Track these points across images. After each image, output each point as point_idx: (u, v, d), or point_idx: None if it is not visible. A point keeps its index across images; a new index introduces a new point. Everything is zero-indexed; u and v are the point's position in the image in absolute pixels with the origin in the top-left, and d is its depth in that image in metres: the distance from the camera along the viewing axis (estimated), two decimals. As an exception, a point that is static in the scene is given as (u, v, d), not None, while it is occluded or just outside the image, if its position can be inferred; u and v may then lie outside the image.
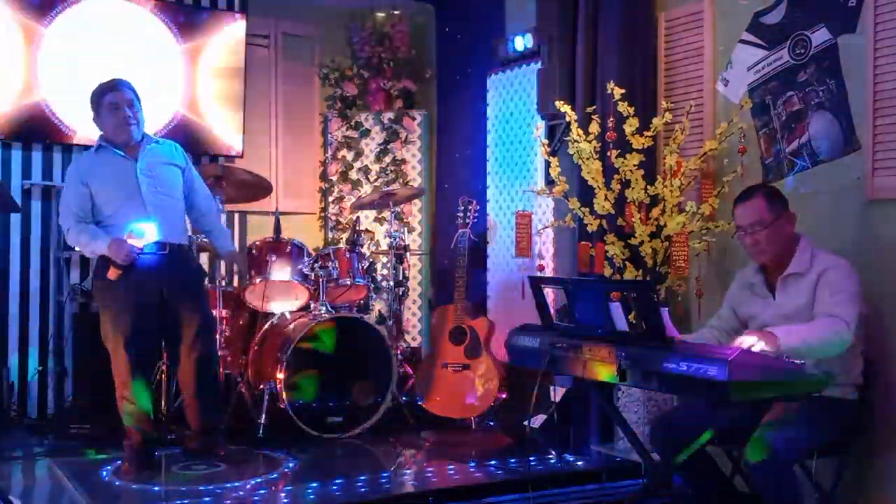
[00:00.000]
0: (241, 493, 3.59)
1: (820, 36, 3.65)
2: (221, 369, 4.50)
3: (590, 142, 4.11)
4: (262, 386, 4.59)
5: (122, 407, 3.94)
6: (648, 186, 4.02)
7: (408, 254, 5.34)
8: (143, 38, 5.44)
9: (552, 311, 3.21)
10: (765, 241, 3.13)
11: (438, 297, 5.88)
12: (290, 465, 4.06)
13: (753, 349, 2.69)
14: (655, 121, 4.01)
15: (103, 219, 3.92)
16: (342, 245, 5.11)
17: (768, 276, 3.24)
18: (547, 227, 4.44)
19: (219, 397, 4.30)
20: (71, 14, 5.21)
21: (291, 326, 4.68)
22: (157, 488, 3.64)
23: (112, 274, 3.79)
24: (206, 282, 4.48)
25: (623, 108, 4.01)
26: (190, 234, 4.32)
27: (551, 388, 4.38)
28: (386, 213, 5.61)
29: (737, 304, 3.33)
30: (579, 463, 4.05)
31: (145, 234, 3.81)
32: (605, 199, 4.07)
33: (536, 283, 3.21)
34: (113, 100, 3.93)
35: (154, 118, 5.39)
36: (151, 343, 4.09)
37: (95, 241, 3.84)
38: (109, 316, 3.91)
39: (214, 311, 4.63)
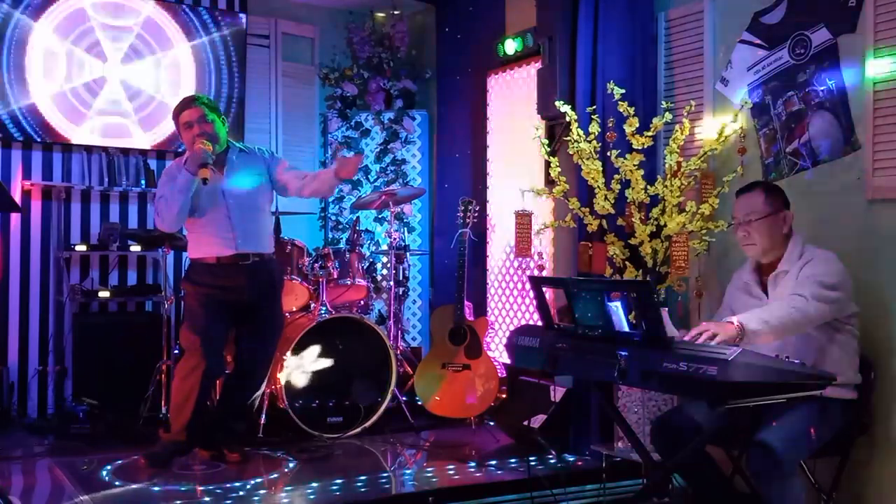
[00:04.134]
0: (241, 493, 3.59)
1: (820, 36, 3.65)
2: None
3: (590, 142, 4.11)
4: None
5: (176, 405, 3.95)
6: (648, 186, 4.02)
7: (408, 254, 5.34)
8: (142, 36, 5.44)
9: (552, 311, 3.21)
10: (756, 233, 3.15)
11: (438, 297, 5.88)
12: (290, 465, 4.06)
13: (714, 342, 2.71)
14: (655, 121, 4.01)
15: (191, 222, 3.98)
16: (342, 245, 5.10)
17: (762, 275, 3.24)
18: (547, 227, 4.43)
19: (248, 409, 4.25)
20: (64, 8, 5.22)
21: (291, 326, 4.68)
22: (156, 488, 3.65)
23: (204, 173, 3.78)
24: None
25: (623, 108, 4.00)
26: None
27: (551, 388, 4.37)
28: (386, 213, 5.61)
29: (734, 304, 3.33)
30: (579, 463, 4.05)
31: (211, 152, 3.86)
32: (605, 199, 4.07)
33: (536, 283, 3.21)
34: (187, 118, 3.98)
35: (154, 118, 5.40)
36: (221, 348, 4.09)
37: (175, 180, 3.86)
38: (189, 316, 4.01)
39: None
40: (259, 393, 4.21)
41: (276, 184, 4.15)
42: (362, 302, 5.19)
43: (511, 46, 5.24)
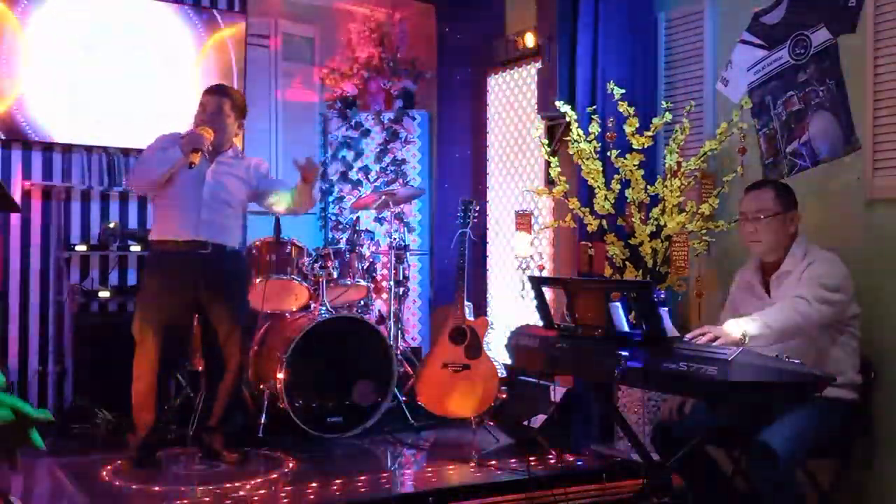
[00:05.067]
0: (241, 493, 3.59)
1: (820, 36, 3.65)
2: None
3: (590, 142, 4.11)
4: (262, 386, 4.59)
5: (134, 402, 3.96)
6: (648, 186, 4.02)
7: (408, 254, 5.34)
8: (142, 36, 5.44)
9: (552, 311, 3.21)
10: (763, 231, 3.16)
11: (438, 297, 5.88)
12: (290, 465, 4.06)
13: (716, 344, 2.71)
14: (655, 121, 4.01)
15: (161, 194, 3.98)
16: (342, 245, 5.10)
17: (765, 275, 3.25)
18: (547, 227, 4.43)
19: (236, 403, 4.27)
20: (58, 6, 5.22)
21: (291, 326, 4.68)
22: (157, 488, 3.65)
23: (194, 157, 3.80)
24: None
25: (623, 108, 4.00)
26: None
27: (551, 388, 4.37)
28: (386, 213, 5.61)
29: (737, 304, 3.33)
30: (579, 463, 4.05)
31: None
32: (605, 199, 4.07)
33: (536, 283, 3.21)
34: (204, 101, 4.04)
35: (153, 118, 5.39)
36: (175, 343, 4.10)
37: (165, 150, 3.89)
38: (140, 307, 4.00)
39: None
40: (235, 387, 4.18)
41: (265, 201, 4.22)
42: (362, 302, 5.19)
43: (520, 43, 5.24)
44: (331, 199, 6.15)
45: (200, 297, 4.01)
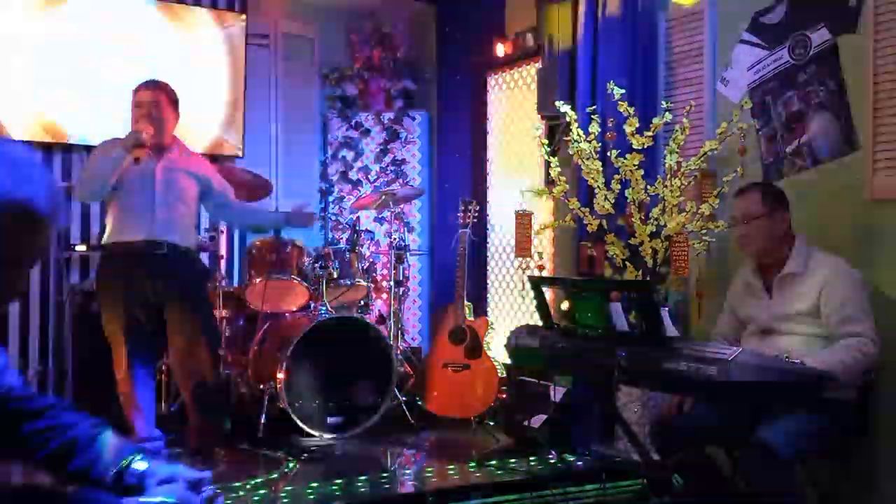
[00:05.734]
0: (241, 493, 3.59)
1: (820, 36, 3.65)
2: (222, 369, 4.50)
3: (590, 142, 4.11)
4: (262, 386, 4.59)
5: (122, 403, 3.95)
6: (648, 186, 4.02)
7: (408, 254, 5.34)
8: (142, 36, 5.45)
9: (552, 311, 3.20)
10: (753, 234, 3.17)
11: (438, 297, 5.88)
12: (290, 465, 4.06)
13: None
14: (655, 121, 4.01)
15: (113, 197, 3.93)
16: (342, 245, 5.11)
17: (765, 276, 3.25)
18: (547, 227, 4.43)
19: (215, 402, 4.21)
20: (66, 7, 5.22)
21: (291, 326, 4.68)
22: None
23: (138, 152, 3.77)
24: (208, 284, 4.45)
25: (623, 108, 4.00)
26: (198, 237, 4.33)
27: (551, 388, 4.37)
28: (386, 213, 5.62)
29: (736, 305, 3.33)
30: (579, 463, 4.05)
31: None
32: (605, 199, 4.07)
33: (536, 283, 3.21)
34: (138, 99, 3.97)
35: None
36: (148, 340, 4.03)
37: (108, 153, 3.84)
38: (103, 309, 3.97)
39: (215, 311, 4.64)
40: (214, 380, 4.14)
41: (209, 201, 4.18)
42: (362, 302, 5.19)
43: (520, 43, 5.25)
44: (331, 199, 6.15)
45: (160, 297, 3.94)
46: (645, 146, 4.00)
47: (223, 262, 5.19)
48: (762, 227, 3.17)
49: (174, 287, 3.96)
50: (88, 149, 5.28)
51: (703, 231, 3.92)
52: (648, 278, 3.96)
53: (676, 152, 3.96)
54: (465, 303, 4.93)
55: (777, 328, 3.16)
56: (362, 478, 3.78)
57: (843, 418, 3.08)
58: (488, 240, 5.72)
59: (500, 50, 5.35)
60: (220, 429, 4.22)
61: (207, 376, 4.04)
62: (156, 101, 3.95)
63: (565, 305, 3.12)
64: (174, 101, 4.04)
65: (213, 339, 4.18)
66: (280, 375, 4.46)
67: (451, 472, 3.99)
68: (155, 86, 4.01)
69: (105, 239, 4.01)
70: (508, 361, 3.65)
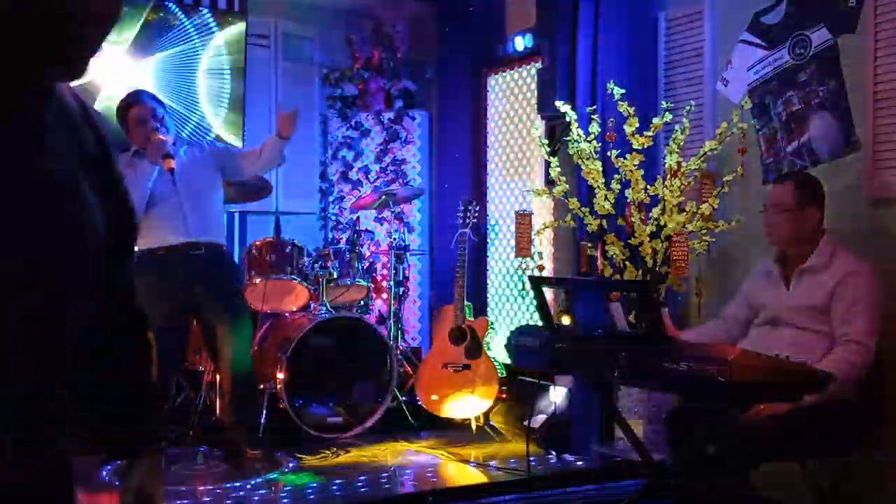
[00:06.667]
0: (241, 493, 3.59)
1: (820, 36, 3.65)
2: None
3: (590, 142, 4.11)
4: (262, 386, 4.59)
5: None
6: (648, 186, 4.02)
7: (408, 254, 5.34)
8: (142, 37, 5.44)
9: (552, 311, 3.21)
10: (781, 224, 3.15)
11: (438, 297, 5.88)
12: (290, 465, 4.06)
13: None
14: (655, 121, 4.01)
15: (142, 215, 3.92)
16: (342, 245, 5.11)
17: (786, 268, 3.24)
18: (547, 227, 4.43)
19: (250, 399, 4.25)
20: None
21: (291, 326, 4.68)
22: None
23: (169, 163, 3.79)
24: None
25: (623, 108, 4.00)
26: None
27: (551, 388, 4.37)
28: (386, 213, 5.61)
29: (752, 291, 3.32)
30: (579, 463, 4.05)
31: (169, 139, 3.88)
32: (605, 199, 4.07)
33: (536, 283, 3.21)
34: (137, 114, 3.96)
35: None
36: (174, 344, 4.02)
37: (133, 171, 3.84)
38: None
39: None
40: (248, 381, 4.16)
41: (233, 170, 4.21)
42: (362, 302, 5.19)
43: (521, 43, 5.26)
44: (331, 199, 6.15)
45: (198, 298, 3.98)
46: (645, 146, 4.00)
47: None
48: (790, 219, 3.15)
49: (215, 286, 4.00)
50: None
51: (703, 231, 3.92)
52: (648, 278, 3.96)
53: (676, 152, 3.96)
54: (465, 303, 4.93)
55: (787, 320, 3.14)
56: (362, 478, 3.79)
57: (844, 418, 3.08)
58: (488, 240, 5.72)
59: (500, 50, 5.35)
60: (254, 428, 4.24)
61: (250, 375, 4.14)
62: (152, 109, 3.98)
63: (565, 306, 3.12)
64: (162, 102, 4.11)
65: (252, 337, 4.27)
66: (280, 375, 4.46)
67: (451, 472, 4.00)
68: (144, 96, 4.06)
69: (140, 245, 3.95)
70: (508, 361, 3.65)
